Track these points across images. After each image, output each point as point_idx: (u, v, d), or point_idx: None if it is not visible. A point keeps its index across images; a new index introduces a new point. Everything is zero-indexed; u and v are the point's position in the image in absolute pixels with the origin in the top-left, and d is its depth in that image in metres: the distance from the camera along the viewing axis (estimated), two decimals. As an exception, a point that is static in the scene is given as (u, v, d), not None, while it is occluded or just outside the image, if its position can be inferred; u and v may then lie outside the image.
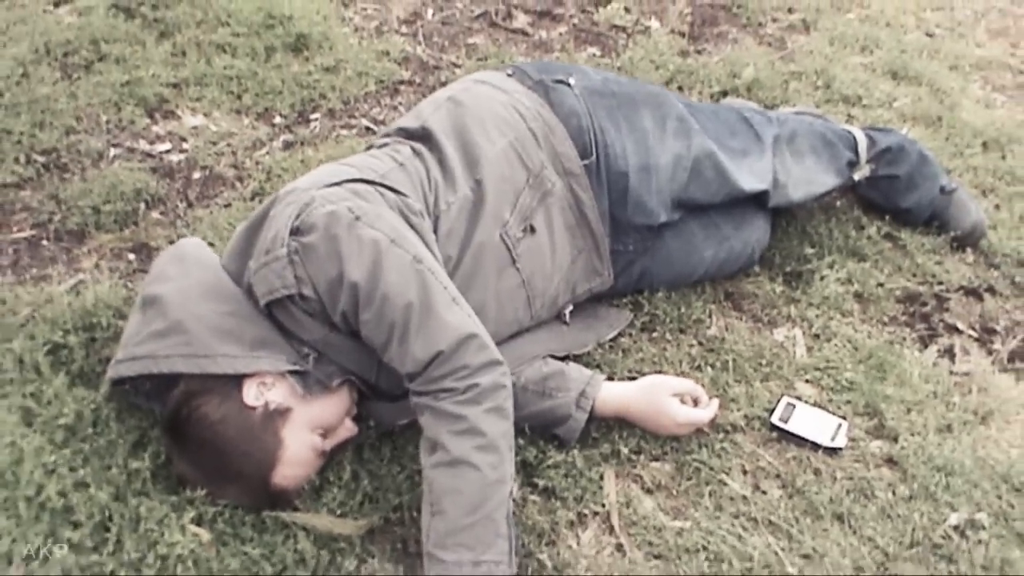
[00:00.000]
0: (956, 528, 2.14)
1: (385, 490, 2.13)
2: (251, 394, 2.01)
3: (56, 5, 3.84)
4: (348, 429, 2.16)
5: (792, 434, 2.31)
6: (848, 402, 2.42)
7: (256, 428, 2.00)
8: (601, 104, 2.53)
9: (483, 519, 1.87)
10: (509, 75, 2.59)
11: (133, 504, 2.00)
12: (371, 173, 2.16)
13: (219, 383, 2.00)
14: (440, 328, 1.95)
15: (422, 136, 2.36)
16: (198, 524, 2.00)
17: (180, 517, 1.99)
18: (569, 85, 2.55)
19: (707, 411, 2.28)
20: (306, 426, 2.05)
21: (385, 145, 2.37)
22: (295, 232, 1.98)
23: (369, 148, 2.43)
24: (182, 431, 2.01)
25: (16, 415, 2.13)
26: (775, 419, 2.34)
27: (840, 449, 2.29)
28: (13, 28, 3.59)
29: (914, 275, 2.84)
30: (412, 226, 2.09)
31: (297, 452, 2.04)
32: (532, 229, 2.35)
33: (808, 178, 2.73)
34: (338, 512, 2.08)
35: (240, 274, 2.12)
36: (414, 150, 2.31)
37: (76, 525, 1.97)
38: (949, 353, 2.61)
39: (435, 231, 2.17)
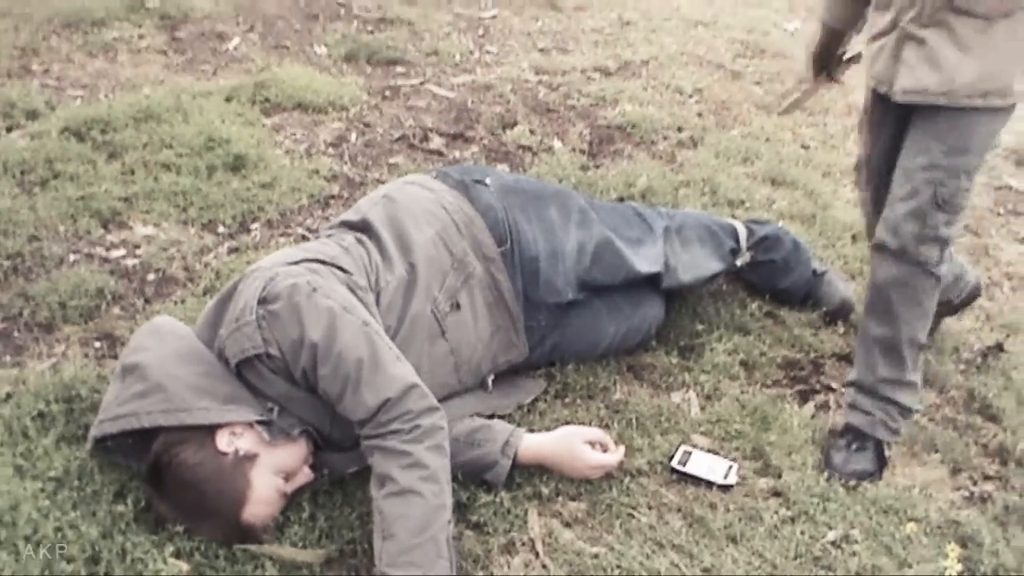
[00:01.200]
0: (833, 543, 2.54)
1: (339, 527, 2.47)
2: (223, 442, 2.36)
3: (9, 130, 4.19)
4: (306, 475, 2.51)
5: (690, 475, 2.71)
6: (737, 448, 2.83)
7: (228, 471, 2.34)
8: (514, 200, 2.97)
9: (428, 540, 2.23)
10: (435, 177, 3.03)
11: (119, 541, 2.31)
12: (323, 255, 2.56)
13: (195, 433, 2.35)
14: (387, 379, 2.33)
15: (363, 227, 2.77)
16: (177, 557, 2.32)
17: (162, 551, 2.31)
18: (486, 184, 2.98)
19: (615, 456, 2.67)
20: (271, 470, 2.39)
21: (331, 235, 2.77)
22: (262, 301, 2.37)
23: (318, 238, 2.82)
24: (163, 475, 2.35)
25: (10, 470, 2.44)
26: (675, 463, 2.73)
27: (732, 486, 2.69)
28: (-27, 152, 3.94)
29: (792, 345, 3.29)
30: (359, 298, 2.49)
31: (263, 493, 2.38)
32: (458, 306, 2.76)
33: (696, 263, 3.17)
34: (299, 544, 2.41)
35: (211, 341, 2.48)
36: (357, 239, 2.72)
37: (70, 560, 2.26)
38: (824, 407, 3.05)
39: (377, 304, 2.56)
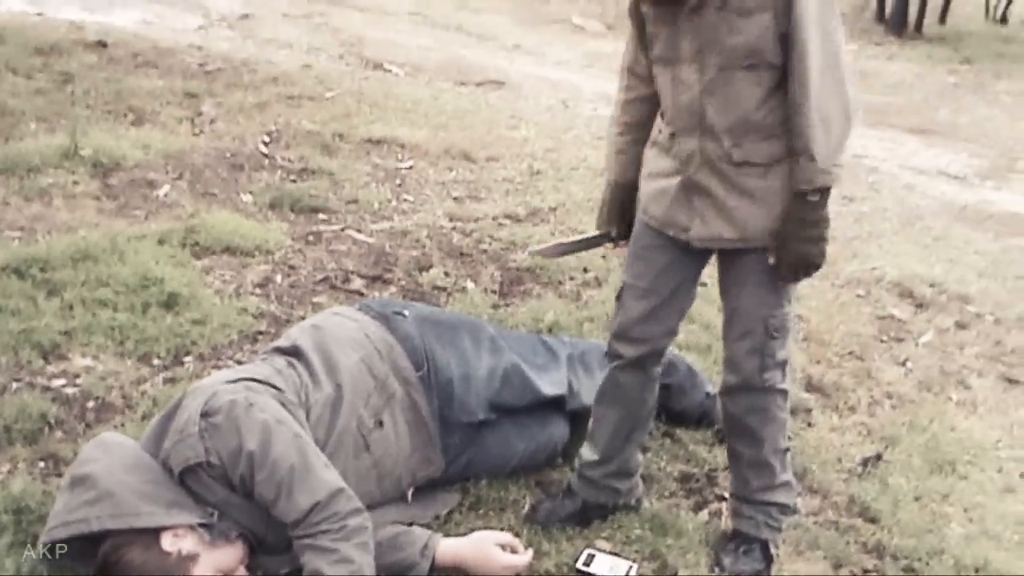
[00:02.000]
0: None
1: (272, 621, 2.73)
2: (167, 542, 2.63)
3: (-51, 270, 4.45)
4: (241, 575, 2.77)
5: (593, 575, 3.00)
6: (637, 551, 3.15)
7: (172, 569, 2.61)
8: (430, 329, 3.31)
9: (355, 629, 2.51)
10: (358, 309, 3.38)
11: (70, 636, 2.55)
12: (258, 375, 2.87)
13: (141, 535, 2.62)
14: (317, 483, 2.64)
15: (293, 352, 3.08)
16: (123, 650, 2.55)
17: (108, 644, 2.55)
18: (404, 316, 3.33)
19: (524, 557, 2.97)
20: (211, 569, 2.66)
21: (264, 359, 3.08)
22: (204, 415, 2.67)
23: (253, 362, 3.13)
24: (111, 574, 2.60)
25: (-36, 574, 2.68)
26: (579, 564, 3.03)
27: (631, 584, 2.99)
28: (-84, 288, 4.19)
29: (688, 460, 3.64)
30: (290, 412, 2.79)
31: (203, 590, 2.64)
32: (381, 423, 3.07)
33: (596, 387, 3.50)
34: (236, 638, 2.66)
35: (156, 452, 2.77)
36: (288, 362, 3.03)
37: (23, 653, 2.50)
38: (717, 514, 3.38)
39: (307, 419, 2.87)
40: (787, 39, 2.67)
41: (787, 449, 3.20)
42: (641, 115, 3.11)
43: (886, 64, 13.32)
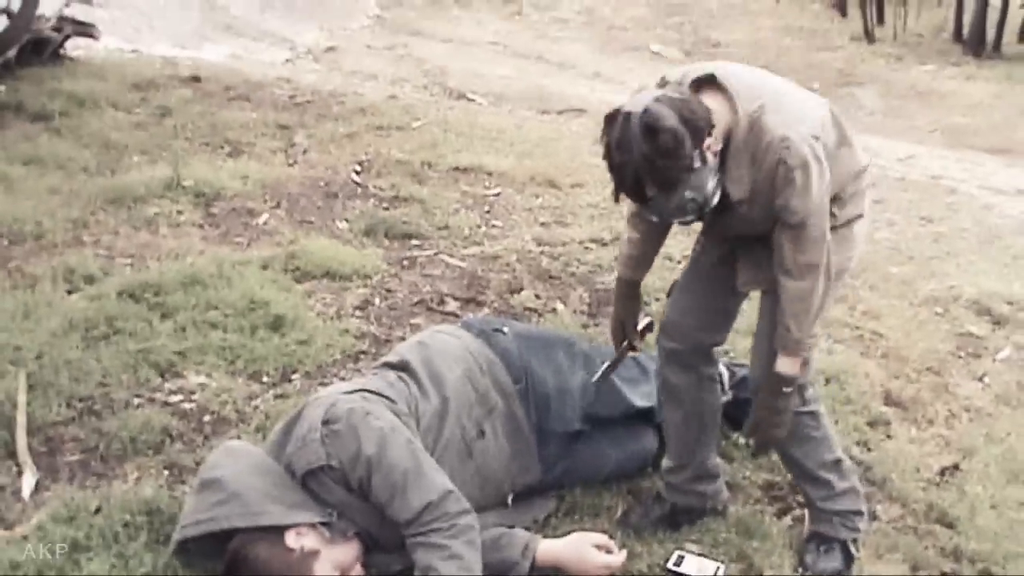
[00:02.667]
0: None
1: (387, 614, 2.96)
2: (291, 539, 2.88)
3: (69, 292, 4.76)
4: (359, 572, 3.01)
5: (683, 574, 3.20)
6: (724, 552, 3.35)
7: (295, 565, 2.85)
8: (527, 345, 3.55)
9: (465, 621, 2.74)
10: (460, 326, 3.62)
11: (203, 624, 2.81)
12: (372, 387, 3.14)
13: (267, 533, 2.87)
14: (429, 485, 2.88)
15: (402, 367, 3.33)
16: (252, 637, 2.80)
17: (239, 632, 2.80)
18: (504, 332, 3.57)
19: (619, 557, 3.18)
20: (330, 565, 2.91)
21: (376, 374, 3.33)
22: (326, 422, 2.92)
23: (365, 376, 3.38)
24: (240, 568, 2.86)
25: (107, 567, 2.95)
26: (670, 564, 3.24)
27: (720, 584, 3.20)
28: (40, 309, 4.49)
29: (771, 470, 3.82)
30: (403, 422, 3.03)
31: (324, 585, 2.88)
32: (483, 433, 3.31)
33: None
34: (354, 629, 2.90)
35: (278, 458, 3.03)
36: (398, 376, 3.28)
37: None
38: (800, 520, 3.56)
39: (417, 428, 3.11)
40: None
41: (838, 460, 3.40)
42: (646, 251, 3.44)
43: (964, 85, 13.37)
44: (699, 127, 2.75)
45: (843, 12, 16.28)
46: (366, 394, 3.08)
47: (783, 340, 3.05)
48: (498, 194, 6.78)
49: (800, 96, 3.05)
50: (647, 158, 2.70)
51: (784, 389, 3.09)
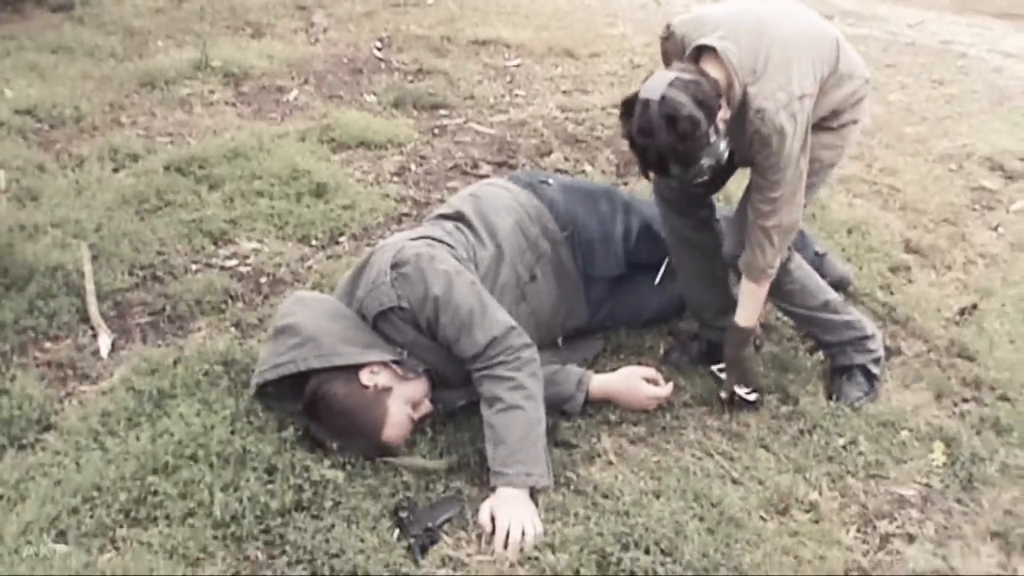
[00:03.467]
0: (843, 446, 3.29)
1: (456, 444, 3.20)
2: (366, 377, 3.09)
3: (115, 170, 4.95)
4: (427, 406, 3.24)
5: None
6: (768, 385, 3.56)
7: (370, 400, 3.07)
8: (572, 195, 3.74)
9: (531, 445, 2.97)
10: (508, 179, 3.80)
11: (288, 456, 3.02)
12: (434, 235, 3.33)
13: (343, 372, 3.09)
14: (493, 323, 3.09)
15: (457, 217, 3.52)
16: (334, 468, 3.03)
17: (322, 463, 3.03)
18: (549, 184, 3.76)
19: (667, 389, 3.41)
20: (402, 400, 3.13)
21: (434, 223, 3.52)
22: (394, 266, 3.12)
23: (422, 225, 3.58)
24: (318, 405, 3.08)
25: (195, 408, 3.17)
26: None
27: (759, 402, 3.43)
28: (92, 186, 4.68)
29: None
30: (464, 266, 3.23)
31: (397, 417, 3.11)
32: (534, 277, 3.51)
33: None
34: (427, 458, 3.13)
35: (349, 303, 3.23)
36: (455, 225, 3.47)
37: (253, 470, 2.98)
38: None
39: (476, 272, 3.31)
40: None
41: (826, 302, 3.59)
42: None
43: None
44: (712, 106, 2.94)
45: None
46: (430, 240, 3.27)
47: (748, 265, 3.29)
48: (519, 65, 6.92)
49: (798, 45, 3.17)
50: (670, 143, 2.92)
51: (743, 341, 3.39)
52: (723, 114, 2.99)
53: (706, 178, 3.14)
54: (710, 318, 3.71)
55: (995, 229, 5.03)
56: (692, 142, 2.93)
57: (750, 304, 3.38)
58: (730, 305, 3.56)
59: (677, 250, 3.69)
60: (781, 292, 3.52)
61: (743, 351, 3.42)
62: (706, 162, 3.02)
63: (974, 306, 4.18)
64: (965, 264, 4.62)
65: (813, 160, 3.23)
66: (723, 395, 3.45)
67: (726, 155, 3.09)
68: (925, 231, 4.90)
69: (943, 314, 4.13)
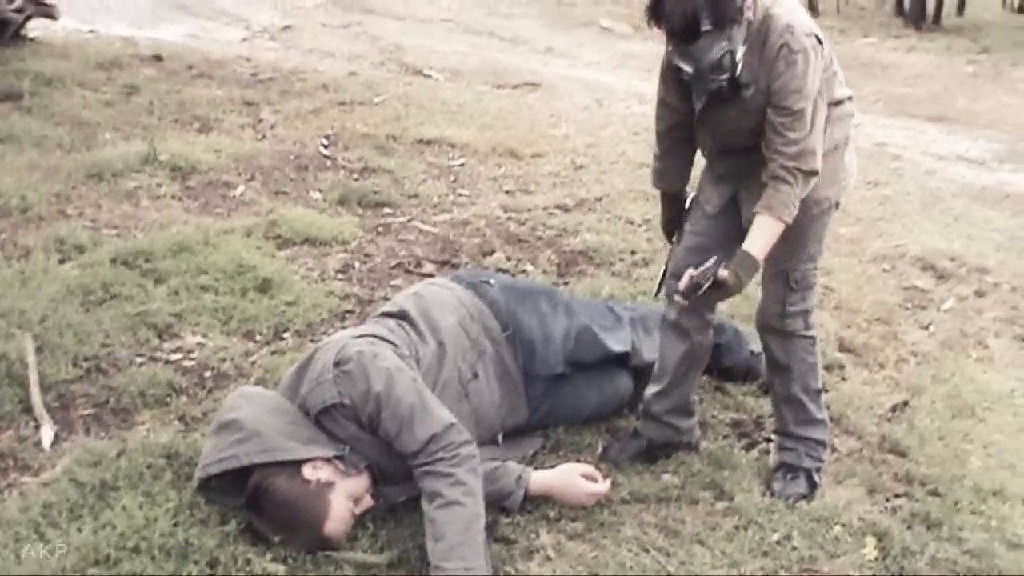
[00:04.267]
0: (777, 542, 3.39)
1: (396, 539, 3.26)
2: (308, 472, 3.16)
3: (62, 262, 4.99)
4: (369, 501, 3.30)
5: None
6: (699, 482, 3.66)
7: (312, 495, 3.14)
8: (513, 295, 3.86)
9: (470, 540, 3.05)
10: (451, 279, 3.92)
11: (231, 550, 3.08)
12: (377, 333, 3.43)
13: (286, 467, 3.15)
14: (433, 419, 3.17)
15: (401, 315, 3.62)
16: (276, 562, 3.08)
17: (264, 557, 3.08)
18: (491, 284, 3.87)
19: (604, 485, 3.49)
20: (344, 495, 3.19)
21: (377, 321, 3.62)
22: (337, 364, 3.21)
23: (366, 323, 3.67)
24: (262, 500, 3.14)
25: (138, 501, 3.21)
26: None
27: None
28: (38, 277, 4.72)
29: (737, 409, 4.17)
30: (406, 363, 3.32)
31: (339, 512, 3.17)
32: (476, 375, 3.61)
33: (656, 346, 4.01)
34: (368, 552, 3.19)
35: (292, 399, 3.31)
36: (397, 323, 3.57)
37: (195, 562, 3.03)
38: (766, 452, 3.89)
39: (418, 369, 3.40)
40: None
41: (819, 391, 3.76)
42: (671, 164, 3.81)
43: (906, 56, 13.85)
44: None
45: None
46: (372, 339, 3.37)
47: (770, 200, 3.31)
48: (462, 164, 7.08)
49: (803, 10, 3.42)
50: None
51: (754, 270, 3.36)
52: (747, 11, 3.16)
53: (715, 85, 3.26)
54: (662, 411, 3.81)
55: (926, 328, 5.22)
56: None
57: (765, 237, 3.34)
58: (687, 410, 3.76)
59: (671, 340, 3.78)
60: (797, 358, 3.66)
61: (750, 280, 3.40)
62: (726, 46, 3.15)
63: (905, 403, 4.33)
64: (897, 362, 4.78)
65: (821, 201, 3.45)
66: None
67: (739, 65, 3.22)
68: (859, 330, 5.06)
69: (875, 411, 4.28)
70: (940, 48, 14.42)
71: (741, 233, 3.46)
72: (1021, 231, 6.96)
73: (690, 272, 3.31)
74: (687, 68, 3.25)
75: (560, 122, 8.55)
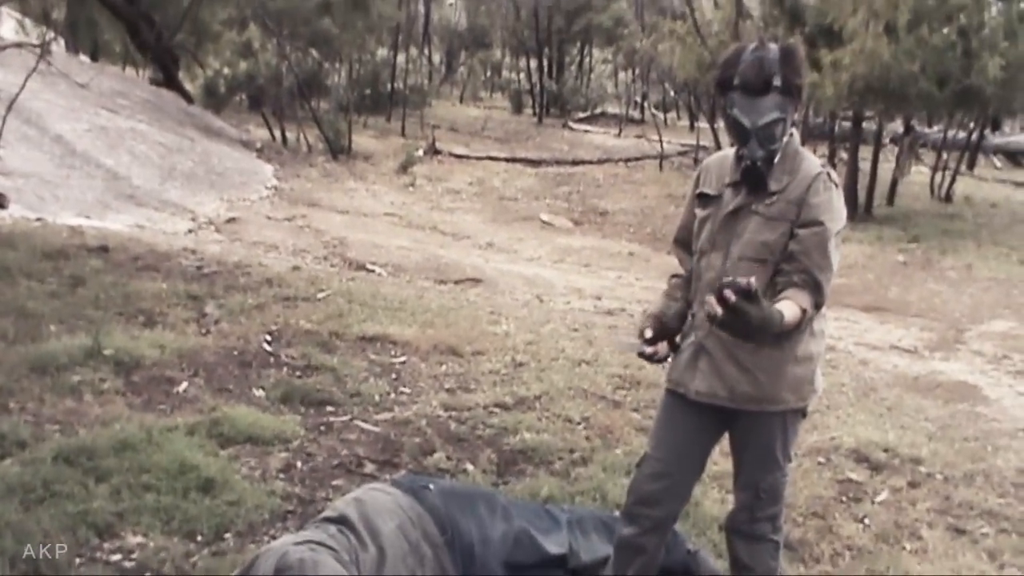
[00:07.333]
0: None
1: None
2: None
3: (2, 458, 5.05)
4: None
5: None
6: None
7: None
8: (452, 499, 4.00)
9: None
10: (391, 484, 4.05)
11: None
12: (317, 539, 3.55)
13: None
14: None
15: (341, 520, 3.74)
16: None
17: None
18: (430, 489, 4.01)
19: None
20: None
21: (318, 527, 3.73)
22: (278, 572, 3.34)
23: (307, 529, 3.78)
24: None
25: None
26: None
27: None
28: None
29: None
30: (346, 569, 3.43)
31: None
32: (418, 580, 3.71)
33: (593, 547, 4.15)
34: None
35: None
36: (338, 529, 3.69)
37: None
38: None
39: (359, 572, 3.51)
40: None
41: None
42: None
43: (840, 246, 14.30)
44: None
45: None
46: (313, 545, 3.48)
47: (789, 295, 3.48)
48: (404, 362, 7.26)
49: None
50: (785, 52, 3.41)
51: (771, 321, 3.28)
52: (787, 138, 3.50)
53: (763, 153, 3.48)
54: None
55: (861, 520, 5.39)
56: (801, 67, 3.43)
57: (795, 311, 3.43)
58: None
59: (626, 558, 3.87)
60: (756, 566, 3.82)
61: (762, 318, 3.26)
62: (781, 115, 3.43)
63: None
64: (832, 556, 4.94)
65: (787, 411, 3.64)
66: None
67: (778, 153, 3.50)
68: (795, 525, 5.21)
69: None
70: (872, 238, 15.00)
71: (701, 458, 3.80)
72: (952, 420, 7.24)
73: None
74: (745, 123, 3.49)
75: (501, 319, 8.80)
